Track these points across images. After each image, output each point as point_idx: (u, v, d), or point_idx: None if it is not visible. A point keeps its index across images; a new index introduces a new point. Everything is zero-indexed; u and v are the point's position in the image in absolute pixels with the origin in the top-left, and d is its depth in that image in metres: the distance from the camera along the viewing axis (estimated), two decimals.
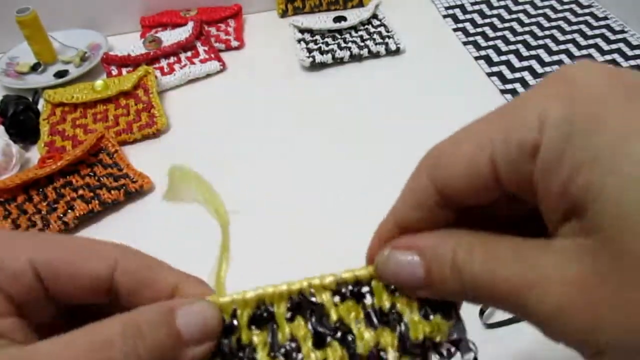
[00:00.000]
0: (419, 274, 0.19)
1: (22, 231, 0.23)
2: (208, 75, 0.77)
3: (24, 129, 0.67)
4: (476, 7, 0.87)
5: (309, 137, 0.65)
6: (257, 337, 0.20)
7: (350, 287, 0.21)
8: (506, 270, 0.16)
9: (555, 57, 0.74)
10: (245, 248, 0.52)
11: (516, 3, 0.87)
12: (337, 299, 0.21)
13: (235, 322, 0.21)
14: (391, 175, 0.60)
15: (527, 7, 0.86)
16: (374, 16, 0.83)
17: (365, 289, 0.21)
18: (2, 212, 0.56)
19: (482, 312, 0.44)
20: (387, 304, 0.21)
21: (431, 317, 0.20)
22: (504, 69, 0.73)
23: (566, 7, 0.85)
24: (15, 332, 0.19)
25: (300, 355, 0.20)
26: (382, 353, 0.20)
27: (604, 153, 0.13)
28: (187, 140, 0.67)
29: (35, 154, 0.66)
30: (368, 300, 0.21)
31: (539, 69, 0.73)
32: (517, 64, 0.74)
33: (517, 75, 0.72)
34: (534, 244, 0.16)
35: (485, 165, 0.16)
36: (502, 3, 0.88)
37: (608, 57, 0.73)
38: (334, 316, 0.21)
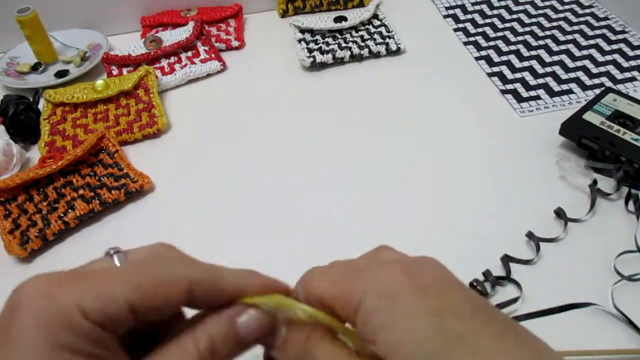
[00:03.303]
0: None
1: (118, 265, 0.25)
2: (208, 75, 0.77)
3: (25, 129, 0.67)
4: (477, 7, 0.88)
5: (309, 137, 0.65)
6: None
7: None
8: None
9: (556, 57, 0.74)
10: (247, 245, 0.52)
11: (517, 3, 0.87)
12: None
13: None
14: (391, 174, 0.60)
15: (528, 7, 0.86)
16: (375, 16, 0.84)
17: None
18: (2, 211, 0.56)
19: None
20: None
21: None
22: (504, 69, 0.73)
23: (567, 7, 0.85)
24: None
25: None
26: None
27: (392, 324, 0.22)
28: (188, 140, 0.67)
29: (35, 153, 0.66)
30: None
31: (539, 69, 0.73)
32: (517, 64, 0.74)
33: (518, 75, 0.72)
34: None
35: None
36: (503, 3, 0.88)
37: (609, 57, 0.73)
38: None
